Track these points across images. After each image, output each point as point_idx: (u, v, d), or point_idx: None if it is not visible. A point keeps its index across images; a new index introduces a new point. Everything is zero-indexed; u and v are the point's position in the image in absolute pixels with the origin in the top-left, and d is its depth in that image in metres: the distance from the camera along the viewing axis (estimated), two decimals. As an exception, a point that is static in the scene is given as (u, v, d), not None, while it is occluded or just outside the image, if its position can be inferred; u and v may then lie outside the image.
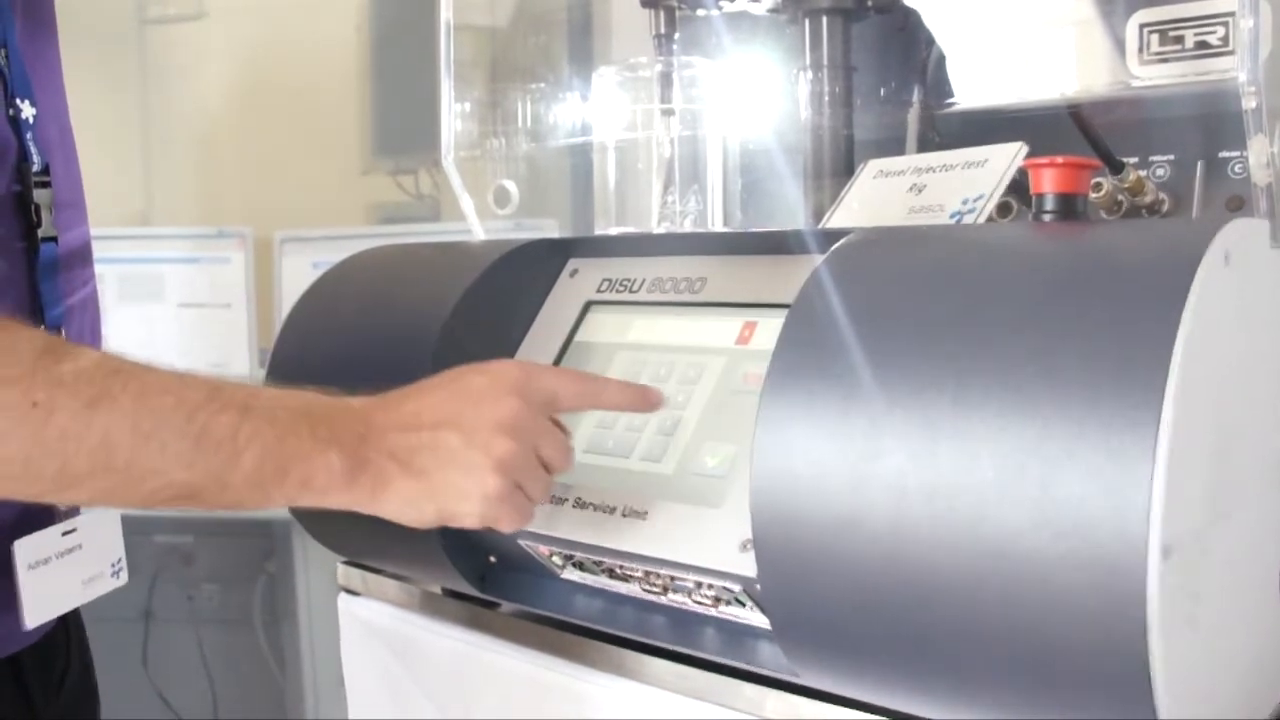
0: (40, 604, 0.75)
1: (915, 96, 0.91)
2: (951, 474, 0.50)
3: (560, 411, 0.66)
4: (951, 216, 0.73)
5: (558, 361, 0.80)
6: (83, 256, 0.80)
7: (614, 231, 0.95)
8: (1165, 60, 0.76)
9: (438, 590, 0.86)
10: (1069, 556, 0.46)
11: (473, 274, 0.80)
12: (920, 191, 0.77)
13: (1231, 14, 0.73)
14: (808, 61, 0.92)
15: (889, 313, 0.56)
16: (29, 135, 0.73)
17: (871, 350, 0.55)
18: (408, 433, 0.62)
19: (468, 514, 0.62)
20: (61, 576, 0.76)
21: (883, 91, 0.94)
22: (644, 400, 0.68)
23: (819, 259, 0.61)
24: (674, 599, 0.68)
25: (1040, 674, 0.48)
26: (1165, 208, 0.82)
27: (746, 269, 0.75)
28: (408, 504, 0.62)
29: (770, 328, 0.70)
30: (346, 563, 0.92)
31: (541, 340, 0.82)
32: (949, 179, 0.76)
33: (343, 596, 0.92)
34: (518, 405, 0.63)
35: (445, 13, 0.99)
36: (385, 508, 0.62)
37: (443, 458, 0.61)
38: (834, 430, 0.54)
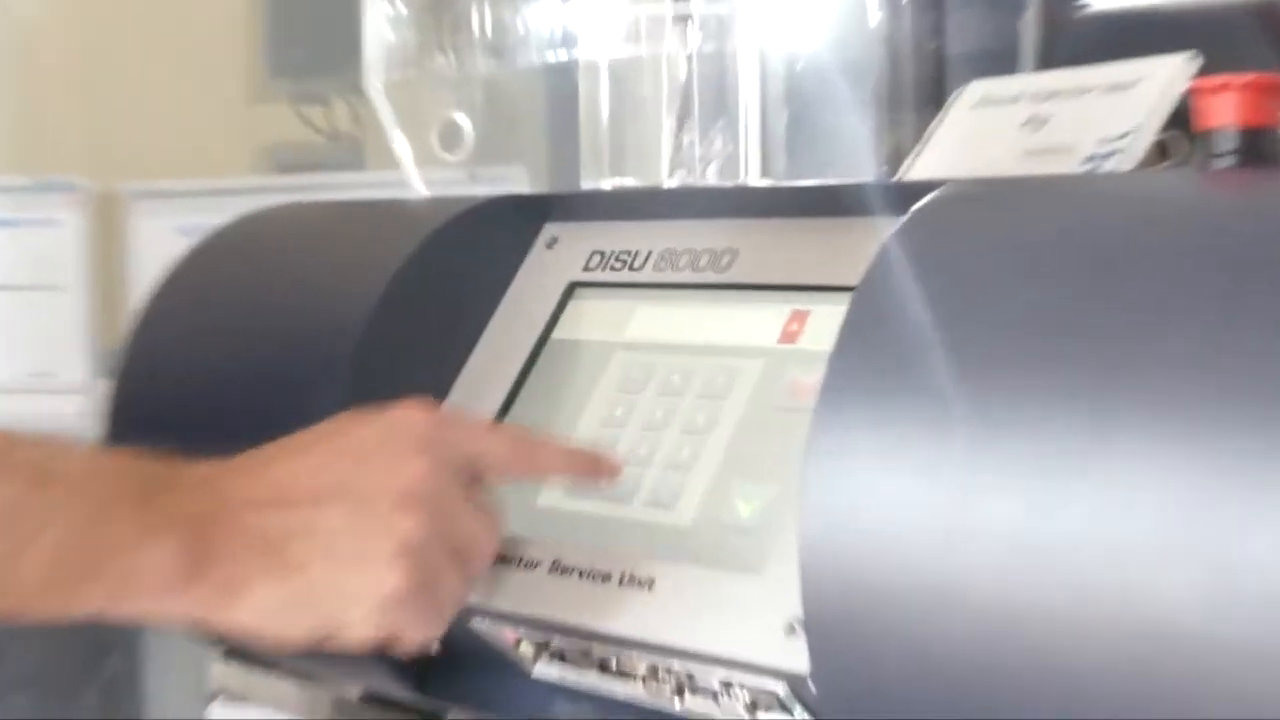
0: None
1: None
2: (1087, 527, 0.50)
3: (484, 480, 0.67)
4: (1086, 162, 0.74)
5: (529, 366, 0.81)
6: None
7: (608, 185, 0.95)
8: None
9: (355, 694, 0.86)
10: (1261, 645, 0.46)
11: (409, 245, 0.80)
12: (1041, 127, 0.78)
13: None
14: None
15: (995, 301, 0.56)
16: None
17: (971, 353, 0.55)
18: (275, 510, 0.63)
19: (358, 623, 0.63)
20: None
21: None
22: (593, 469, 0.70)
23: (895, 224, 0.61)
24: (692, 705, 0.69)
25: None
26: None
27: (793, 238, 0.76)
28: (274, 612, 0.62)
29: (826, 320, 0.70)
30: (222, 656, 0.92)
31: (506, 337, 0.82)
32: (1083, 108, 0.77)
33: (216, 704, 0.92)
34: (427, 468, 0.64)
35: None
36: (242, 617, 0.62)
37: (325, 544, 0.62)
38: (918, 465, 0.55)
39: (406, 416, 0.66)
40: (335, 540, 0.62)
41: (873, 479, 0.56)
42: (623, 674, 0.71)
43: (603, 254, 0.82)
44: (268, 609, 0.62)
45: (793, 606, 0.59)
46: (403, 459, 0.64)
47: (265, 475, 0.64)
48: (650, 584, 0.68)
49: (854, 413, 0.57)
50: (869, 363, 0.58)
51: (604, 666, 0.72)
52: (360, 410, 0.67)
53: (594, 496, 0.73)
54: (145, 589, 0.61)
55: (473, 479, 0.67)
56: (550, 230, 0.85)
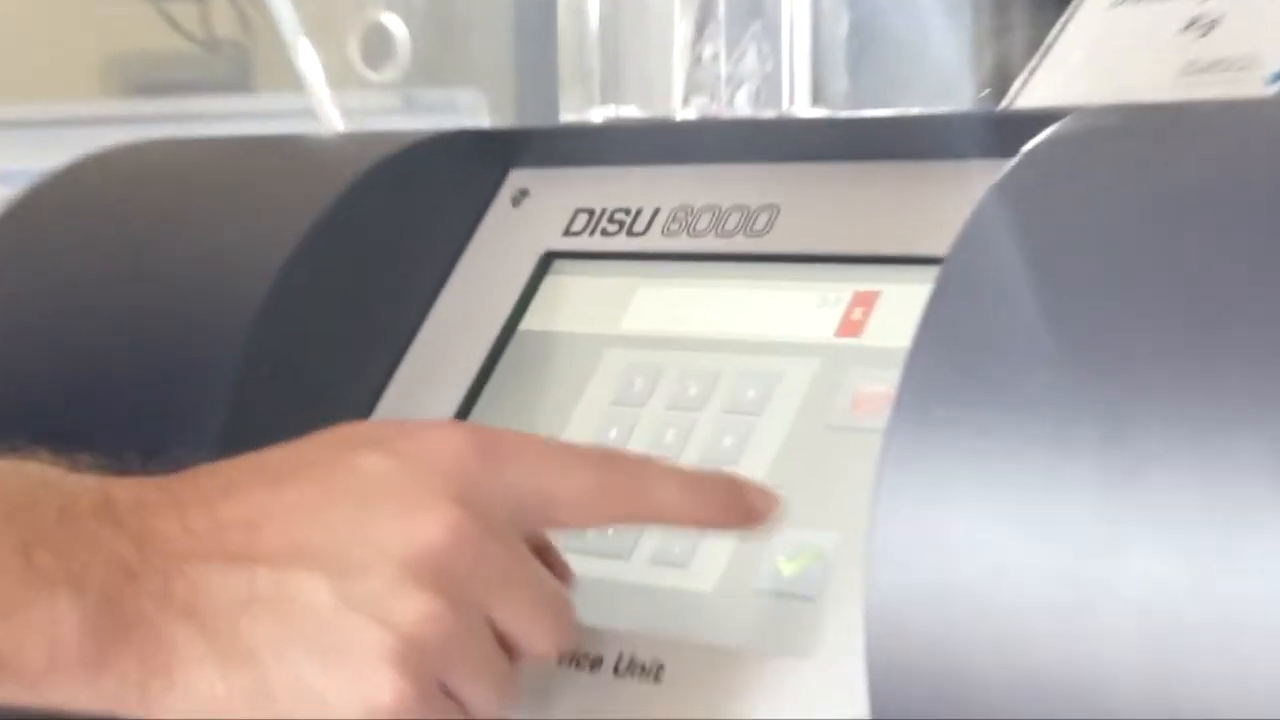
0: None
1: None
2: (1266, 596, 0.49)
3: (555, 527, 0.66)
4: (1274, 81, 0.74)
5: (489, 366, 0.81)
6: None
7: (597, 117, 0.95)
8: None
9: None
10: None
11: (321, 199, 0.81)
12: (1208, 31, 0.78)
13: None
14: None
15: (1141, 281, 0.56)
16: None
17: (1104, 353, 0.55)
18: (225, 566, 0.61)
19: None
20: None
21: None
22: (742, 510, 0.66)
23: (999, 170, 0.61)
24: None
25: None
26: None
27: (856, 191, 0.76)
28: (212, 711, 0.61)
29: (901, 305, 0.70)
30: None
31: (457, 328, 0.83)
32: (1269, 4, 0.77)
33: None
34: (455, 522, 0.61)
35: None
36: (167, 712, 0.61)
37: (293, 627, 0.61)
38: (1030, 508, 0.54)
39: (435, 440, 0.64)
40: (308, 622, 0.61)
41: (966, 527, 0.56)
42: (620, 796, 0.71)
43: (590, 213, 0.83)
44: (204, 705, 0.61)
45: (856, 701, 0.59)
46: (422, 507, 0.61)
47: (216, 512, 0.62)
48: (657, 672, 0.68)
49: (939, 434, 0.57)
50: (961, 364, 0.58)
51: (594, 785, 0.72)
52: (366, 425, 0.65)
53: (581, 552, 0.72)
54: (33, 670, 0.60)
55: (538, 524, 0.65)
56: (518, 179, 0.86)
